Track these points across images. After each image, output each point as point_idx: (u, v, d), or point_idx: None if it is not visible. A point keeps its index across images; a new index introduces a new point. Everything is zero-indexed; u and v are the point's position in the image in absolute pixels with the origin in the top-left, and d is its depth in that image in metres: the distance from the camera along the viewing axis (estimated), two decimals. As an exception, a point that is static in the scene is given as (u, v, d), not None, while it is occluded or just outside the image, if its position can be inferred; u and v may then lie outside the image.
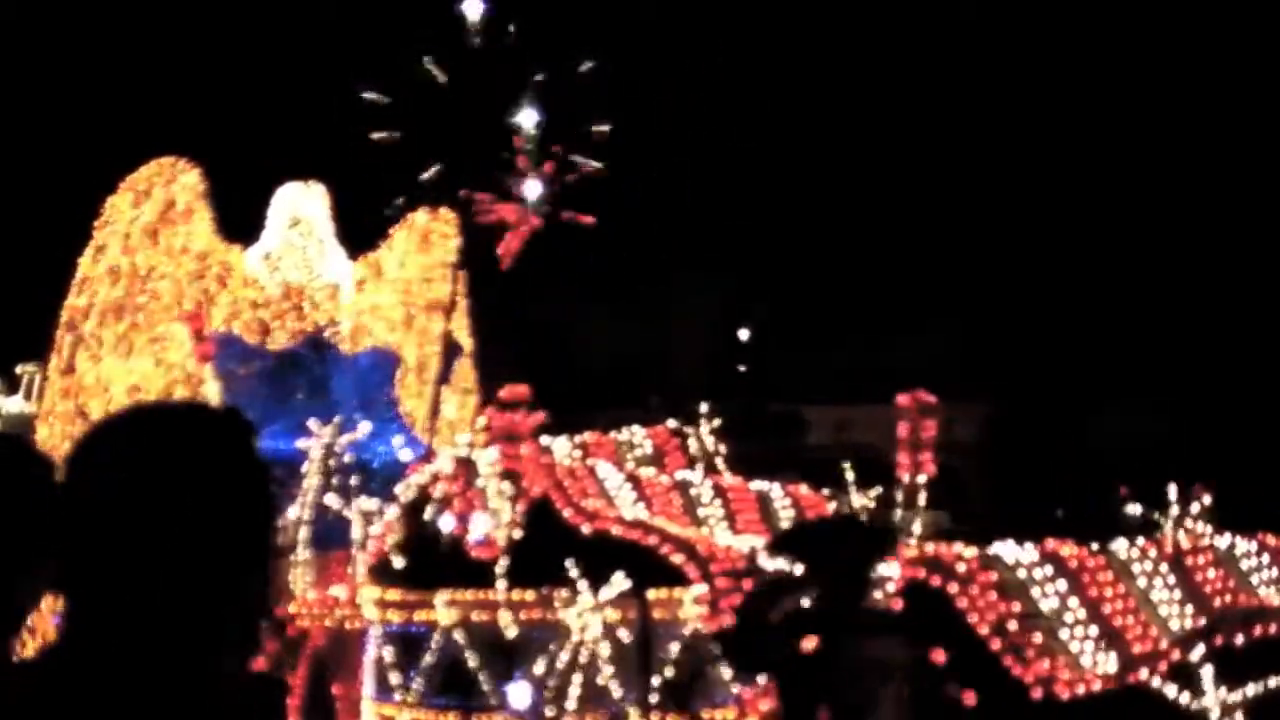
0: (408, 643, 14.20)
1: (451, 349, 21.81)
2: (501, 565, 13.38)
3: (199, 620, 2.26)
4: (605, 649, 12.39)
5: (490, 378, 22.59)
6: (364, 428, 18.47)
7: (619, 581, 12.34)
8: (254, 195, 21.81)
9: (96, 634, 2.23)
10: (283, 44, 24.12)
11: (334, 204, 21.74)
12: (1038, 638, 9.33)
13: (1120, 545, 10.54)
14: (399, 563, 15.18)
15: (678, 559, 11.81)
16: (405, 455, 20.35)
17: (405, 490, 15.02)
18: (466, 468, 14.40)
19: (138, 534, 2.25)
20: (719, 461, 16.57)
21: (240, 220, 21.33)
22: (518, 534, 13.54)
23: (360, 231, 22.29)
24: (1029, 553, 10.04)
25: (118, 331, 20.35)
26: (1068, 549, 10.15)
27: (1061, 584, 9.81)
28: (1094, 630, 9.54)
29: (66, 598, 2.35)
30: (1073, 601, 9.73)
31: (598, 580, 12.53)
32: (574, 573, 12.41)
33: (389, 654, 14.27)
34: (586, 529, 13.02)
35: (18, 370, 43.69)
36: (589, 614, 12.37)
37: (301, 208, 21.34)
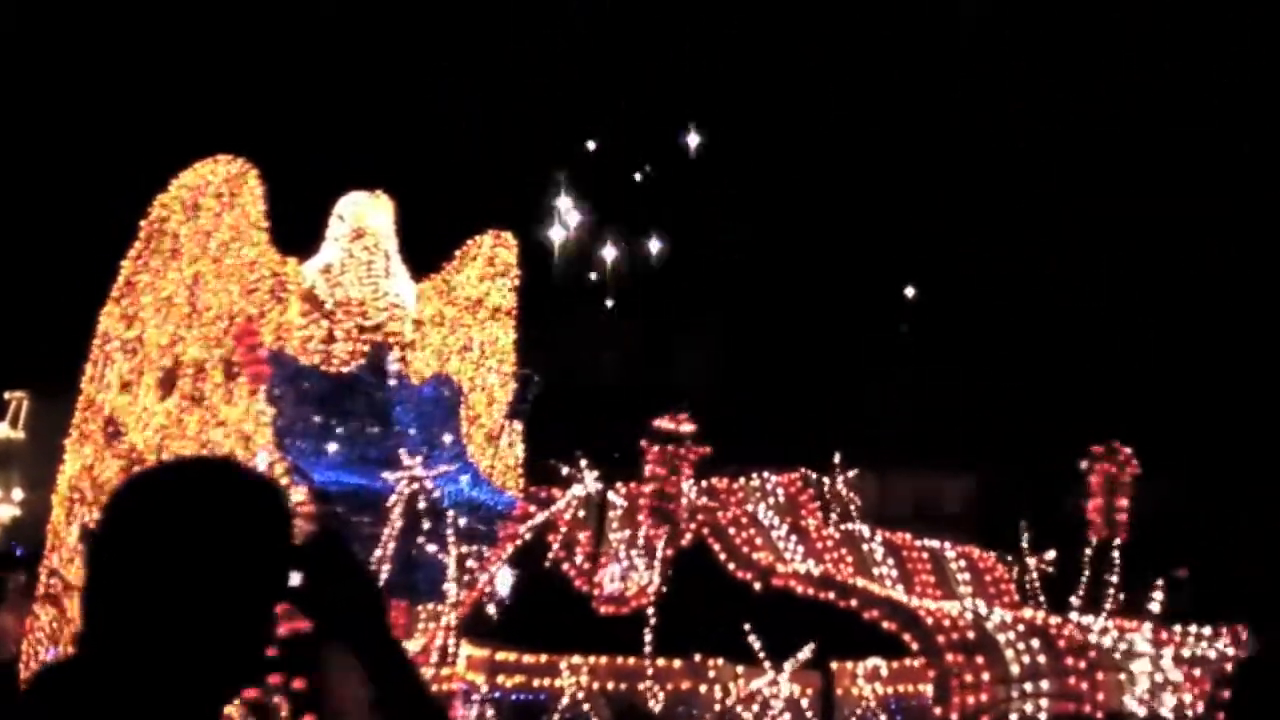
0: (519, 713, 12.13)
1: (525, 382, 19.76)
2: (648, 625, 11.36)
3: (207, 664, 2.38)
4: (788, 730, 10.36)
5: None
6: (415, 460, 16.43)
7: (806, 650, 10.34)
8: (306, 203, 19.81)
9: (108, 664, 2.35)
10: (342, 40, 22.27)
11: (399, 217, 19.73)
12: None
13: None
14: (496, 618, 13.24)
15: (890, 626, 9.80)
16: (475, 495, 18.40)
17: (518, 534, 13.03)
18: (597, 510, 12.44)
19: (164, 584, 2.36)
20: (853, 511, 14.61)
21: (294, 229, 19.28)
22: (664, 589, 11.54)
23: (422, 250, 20.27)
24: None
25: (158, 343, 18.31)
26: None
27: None
28: None
29: (86, 623, 2.49)
30: None
31: (778, 647, 10.55)
32: (753, 638, 10.38)
33: (495, 723, 12.19)
34: (758, 585, 11.04)
35: (5, 396, 41.49)
36: (768, 687, 10.35)
37: (367, 219, 19.32)
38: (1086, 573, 12.74)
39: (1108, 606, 12.26)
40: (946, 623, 9.63)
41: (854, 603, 10.11)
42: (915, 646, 9.64)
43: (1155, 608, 10.57)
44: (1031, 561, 13.47)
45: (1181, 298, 24.51)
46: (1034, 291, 25.97)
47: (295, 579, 2.55)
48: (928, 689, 10.96)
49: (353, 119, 22.34)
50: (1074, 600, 12.65)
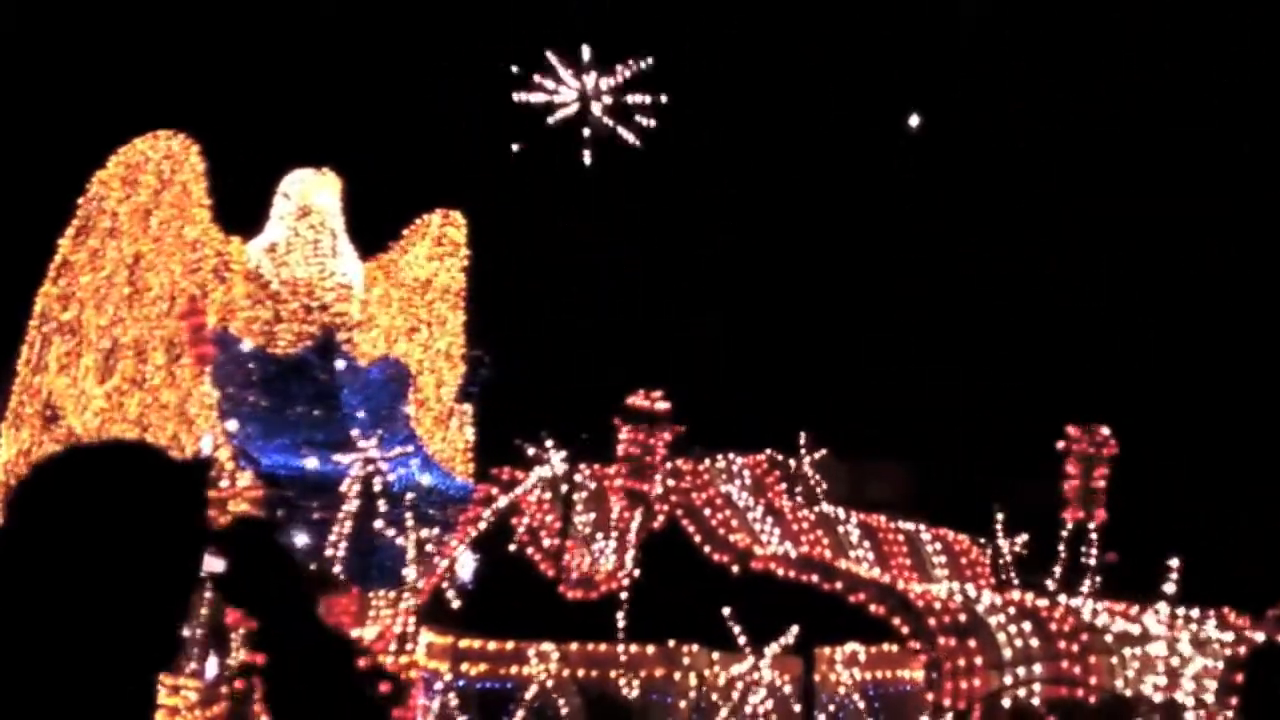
0: (485, 702, 11.69)
1: (475, 364, 19.32)
2: (620, 610, 10.98)
3: (114, 647, 2.33)
4: (772, 718, 10.00)
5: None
6: (370, 443, 15.93)
7: (789, 635, 9.98)
8: (251, 180, 19.21)
9: (15, 648, 2.30)
10: (286, 10, 21.57)
11: (345, 195, 19.19)
12: None
13: None
14: (458, 604, 12.81)
15: (879, 609, 9.46)
16: (425, 480, 17.94)
17: (479, 517, 12.59)
18: (564, 493, 12.02)
19: (68, 568, 2.33)
20: (819, 494, 14.24)
21: (237, 207, 18.71)
22: (637, 573, 11.16)
23: (369, 229, 19.72)
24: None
25: (98, 324, 17.70)
26: None
27: None
28: None
29: None
30: None
31: (756, 631, 10.18)
32: (732, 623, 10.01)
33: (459, 714, 11.74)
34: (736, 569, 10.68)
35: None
36: (749, 674, 9.99)
37: (313, 197, 18.76)
38: (1063, 554, 12.46)
39: (1085, 589, 12.00)
40: (938, 606, 9.29)
41: (839, 585, 9.76)
42: (905, 630, 9.30)
43: (1170, 589, 10.27)
44: (1005, 544, 13.21)
45: (1180, 298, 24.38)
46: (1033, 291, 25.73)
47: (219, 565, 2.51)
48: (906, 674, 10.66)
49: (298, 93, 21.73)
50: (1049, 583, 12.37)
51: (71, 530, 2.35)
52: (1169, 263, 23.92)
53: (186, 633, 15.94)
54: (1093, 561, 12.22)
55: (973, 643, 9.16)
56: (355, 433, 14.61)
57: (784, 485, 14.02)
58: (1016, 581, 13.08)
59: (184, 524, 2.44)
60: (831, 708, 10.64)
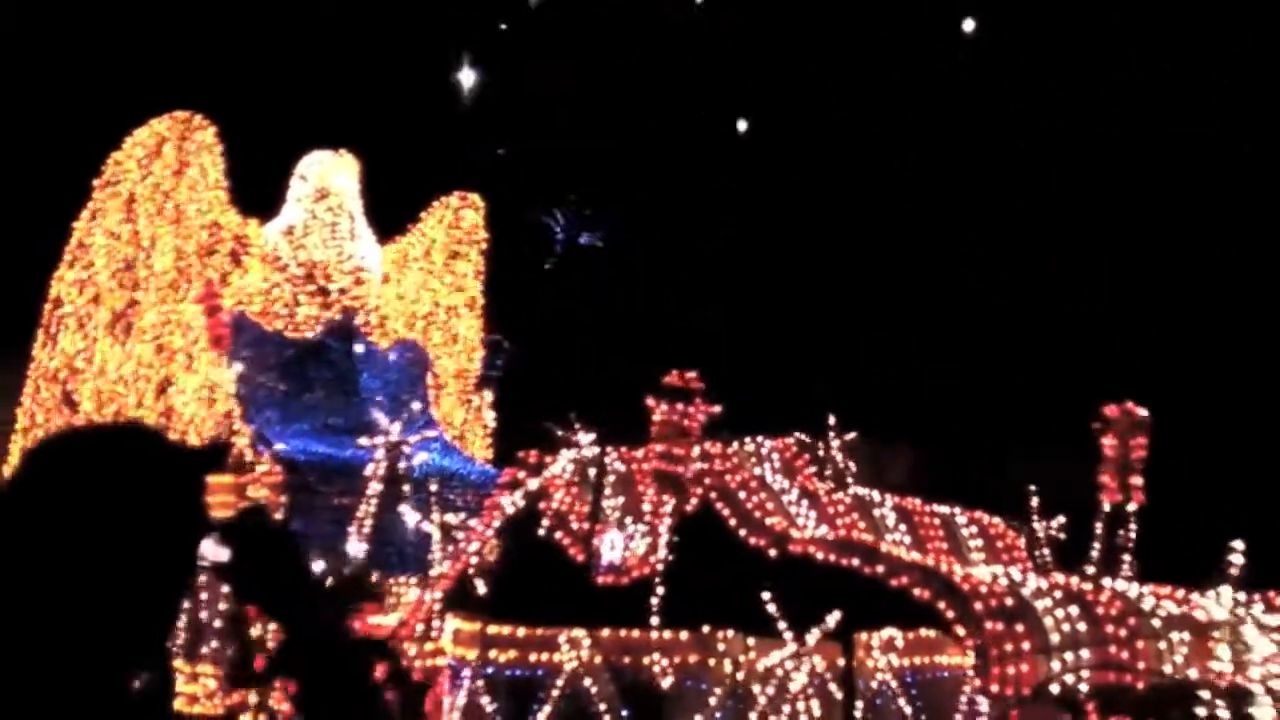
0: (515, 689, 11.47)
1: (494, 348, 19.11)
2: (653, 595, 10.75)
3: (100, 636, 2.28)
4: (812, 706, 9.78)
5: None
6: (394, 426, 15.70)
7: (829, 621, 9.75)
8: (267, 162, 18.98)
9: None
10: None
11: (363, 178, 18.96)
12: None
13: None
14: (484, 590, 12.59)
15: (923, 593, 9.23)
16: (446, 464, 17.74)
17: (507, 502, 12.36)
18: (593, 475, 11.79)
19: (58, 553, 2.28)
20: (849, 478, 13.99)
21: (254, 189, 18.50)
22: (670, 557, 10.94)
23: (387, 212, 19.50)
24: None
25: (114, 308, 17.52)
26: None
27: None
28: None
29: None
30: None
31: (791, 617, 9.95)
32: (772, 608, 9.79)
33: (487, 704, 11.52)
34: (773, 552, 10.45)
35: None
36: (790, 660, 9.77)
37: (330, 179, 18.51)
38: (1100, 538, 12.23)
39: (1126, 572, 11.77)
40: (983, 590, 9.06)
41: (880, 569, 9.53)
42: (951, 615, 9.07)
43: (1234, 571, 10.03)
44: (1040, 527, 12.98)
45: (1180, 298, 24.17)
46: (1033, 291, 25.57)
47: (225, 554, 2.50)
48: (944, 660, 10.46)
49: (316, 74, 21.54)
50: (1088, 567, 12.14)
51: (62, 511, 2.30)
52: (1200, 239, 23.70)
53: (205, 620, 15.83)
54: (1131, 544, 12.00)
55: (1020, 628, 8.93)
56: (378, 415, 14.39)
57: (814, 469, 13.80)
58: (1051, 565, 12.87)
59: (178, 509, 2.39)
60: (868, 695, 10.43)
